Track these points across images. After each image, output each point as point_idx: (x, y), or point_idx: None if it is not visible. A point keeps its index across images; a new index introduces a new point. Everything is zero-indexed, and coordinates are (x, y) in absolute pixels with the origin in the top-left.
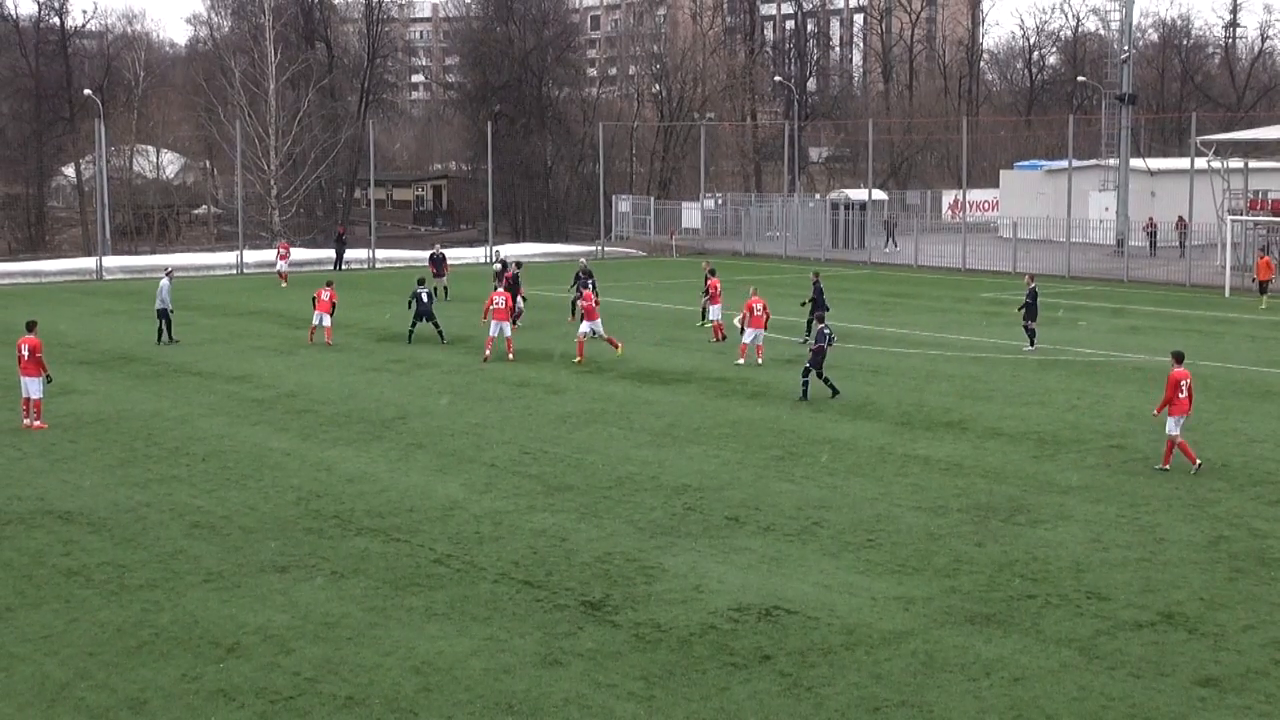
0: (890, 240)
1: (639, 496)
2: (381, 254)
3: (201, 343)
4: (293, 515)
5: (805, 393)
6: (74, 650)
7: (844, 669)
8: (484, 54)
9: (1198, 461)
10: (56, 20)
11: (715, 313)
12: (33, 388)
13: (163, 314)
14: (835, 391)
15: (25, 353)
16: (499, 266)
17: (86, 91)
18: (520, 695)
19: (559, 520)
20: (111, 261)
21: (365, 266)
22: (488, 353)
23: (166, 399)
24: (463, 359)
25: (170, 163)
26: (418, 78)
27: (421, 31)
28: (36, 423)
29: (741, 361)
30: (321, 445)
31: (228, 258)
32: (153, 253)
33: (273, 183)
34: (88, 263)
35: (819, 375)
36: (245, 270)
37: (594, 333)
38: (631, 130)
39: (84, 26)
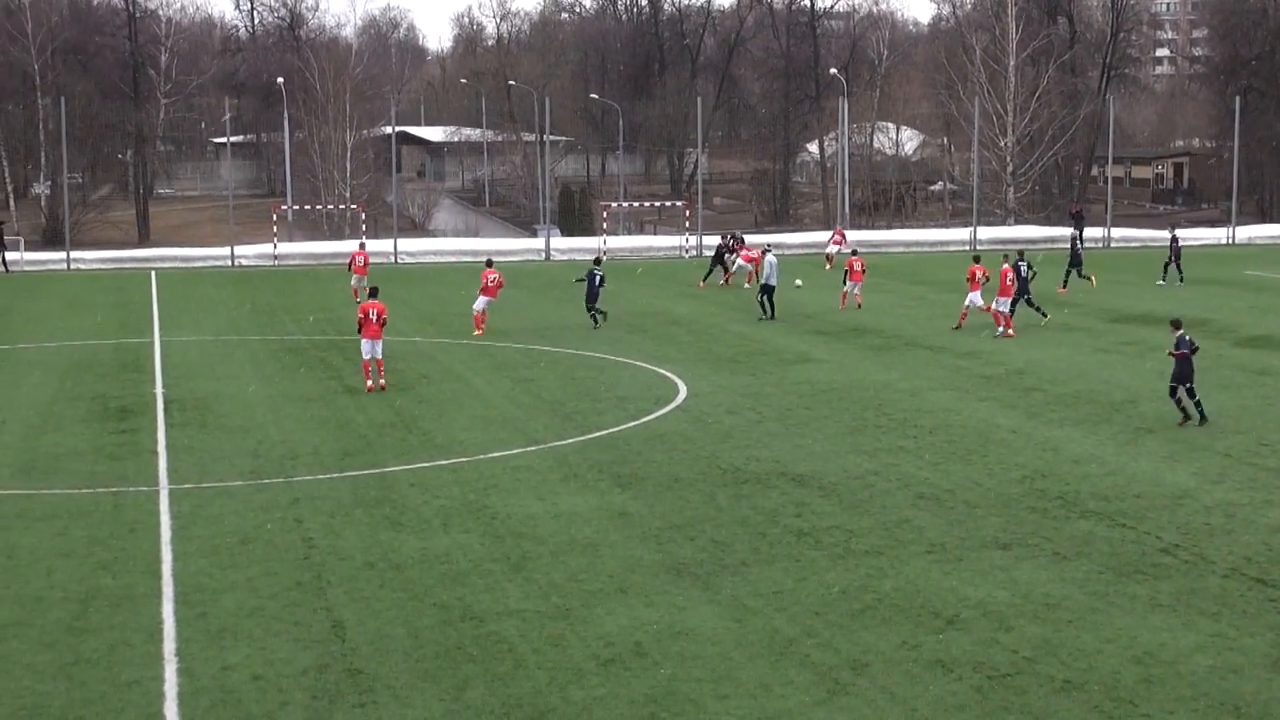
0: None
1: None
2: (1118, 233)
3: (932, 318)
4: (1016, 493)
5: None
6: (802, 608)
7: None
8: (1234, 25)
9: None
10: (806, 3)
11: (975, 299)
12: (377, 349)
13: (770, 290)
14: (1185, 417)
15: (373, 316)
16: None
17: (832, 71)
18: (1248, 698)
19: None
20: (854, 235)
21: (1100, 246)
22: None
23: (896, 371)
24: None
25: (909, 139)
26: (1162, 51)
27: (1169, 4)
28: (381, 381)
29: None
30: (1048, 425)
31: (961, 234)
32: (888, 228)
33: (1008, 160)
34: (820, 236)
35: (1175, 392)
36: (979, 246)
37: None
38: None
39: (832, 8)
